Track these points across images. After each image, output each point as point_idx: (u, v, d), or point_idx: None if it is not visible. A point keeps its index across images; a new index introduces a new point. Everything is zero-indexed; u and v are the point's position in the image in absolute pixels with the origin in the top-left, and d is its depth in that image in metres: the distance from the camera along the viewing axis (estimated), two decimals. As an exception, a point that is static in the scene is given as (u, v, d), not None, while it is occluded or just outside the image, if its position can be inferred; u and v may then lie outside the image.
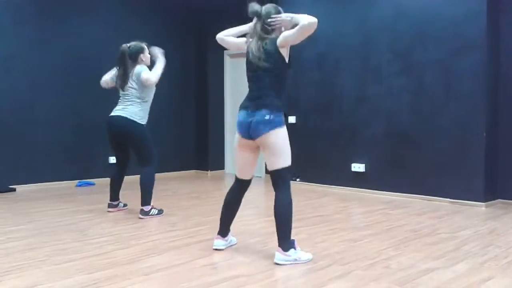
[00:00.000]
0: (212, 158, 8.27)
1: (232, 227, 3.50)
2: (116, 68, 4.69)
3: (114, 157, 4.74)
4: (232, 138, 8.41)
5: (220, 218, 3.43)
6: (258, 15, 3.21)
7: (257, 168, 7.86)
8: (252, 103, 3.14)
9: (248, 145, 3.18)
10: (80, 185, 6.69)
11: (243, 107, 3.20)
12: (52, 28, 6.62)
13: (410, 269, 3.02)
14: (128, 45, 4.64)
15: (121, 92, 4.67)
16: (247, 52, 3.25)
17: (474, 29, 5.17)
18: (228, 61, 8.29)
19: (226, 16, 8.18)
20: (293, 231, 3.19)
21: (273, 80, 3.12)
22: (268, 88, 3.13)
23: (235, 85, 8.27)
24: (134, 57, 4.61)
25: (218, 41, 3.57)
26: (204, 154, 8.31)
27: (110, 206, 4.84)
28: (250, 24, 3.30)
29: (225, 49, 8.24)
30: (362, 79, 6.12)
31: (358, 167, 6.16)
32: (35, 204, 5.29)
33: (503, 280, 2.81)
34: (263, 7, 3.24)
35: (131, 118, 4.51)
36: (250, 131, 3.09)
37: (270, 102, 3.09)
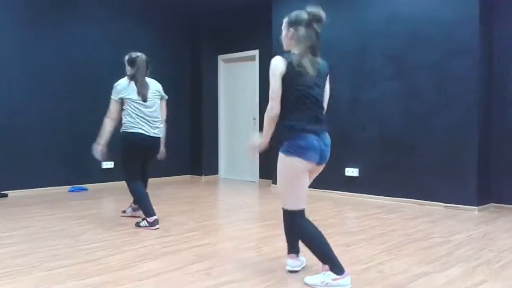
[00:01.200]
0: (206, 163, 8.27)
1: (226, 232, 3.48)
2: (129, 80, 4.41)
3: (130, 167, 4.42)
4: (226, 142, 8.46)
5: (327, 252, 2.80)
6: (319, 19, 2.81)
7: (252, 173, 7.90)
8: (318, 126, 2.80)
9: (311, 170, 2.86)
10: (73, 191, 6.66)
11: (312, 131, 2.76)
12: (47, 34, 6.60)
13: (404, 273, 3.02)
14: (139, 54, 4.46)
15: (142, 103, 4.38)
16: (299, 66, 2.76)
17: (467, 34, 5.20)
18: (222, 66, 8.31)
19: (220, 21, 8.22)
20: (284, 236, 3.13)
21: None
22: (323, 108, 2.91)
23: (229, 90, 8.28)
24: (148, 68, 4.51)
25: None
26: (198, 159, 8.30)
27: (157, 221, 4.41)
28: (301, 33, 2.79)
29: (219, 53, 8.27)
30: (356, 83, 6.14)
31: (351, 171, 6.17)
32: (27, 209, 5.26)
33: (496, 284, 2.81)
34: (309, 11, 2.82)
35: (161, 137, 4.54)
36: (322, 156, 2.81)
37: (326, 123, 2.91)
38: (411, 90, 5.64)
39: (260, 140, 2.89)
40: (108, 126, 4.37)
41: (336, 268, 2.75)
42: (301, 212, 2.86)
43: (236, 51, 7.99)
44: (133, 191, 4.43)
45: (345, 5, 6.23)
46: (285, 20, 2.90)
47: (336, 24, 6.31)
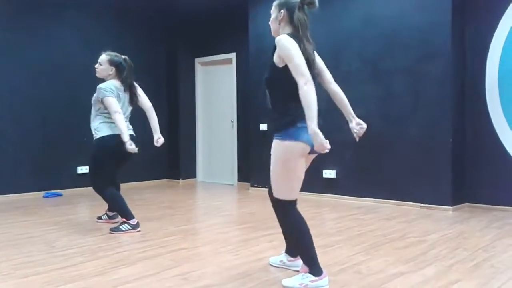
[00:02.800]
0: (183, 166, 8.23)
1: (204, 236, 3.47)
2: (121, 84, 4.43)
3: (106, 173, 4.36)
4: (204, 146, 8.43)
5: (312, 251, 2.80)
6: (312, 2, 2.82)
7: (230, 176, 7.89)
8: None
9: (306, 157, 2.82)
10: (47, 196, 6.55)
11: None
12: (18, 38, 6.47)
13: (380, 273, 3.05)
14: (123, 56, 4.47)
15: (128, 107, 4.50)
16: (305, 53, 2.69)
17: (440, 37, 5.30)
18: (199, 69, 8.28)
19: (196, 23, 8.20)
20: (266, 238, 3.15)
21: None
22: None
23: (206, 93, 8.26)
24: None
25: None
26: (176, 162, 8.25)
27: (138, 224, 4.39)
28: (297, 16, 2.75)
29: (196, 56, 8.25)
30: (332, 86, 6.18)
31: (329, 173, 6.21)
32: (0, 216, 5.14)
33: (470, 283, 2.87)
34: None
35: None
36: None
37: None
38: (386, 93, 5.72)
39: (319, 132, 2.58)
40: (123, 120, 4.23)
41: (316, 269, 2.76)
42: (295, 202, 2.81)
43: (213, 54, 7.98)
44: (111, 197, 4.35)
45: (321, 8, 6.23)
46: (276, 3, 2.82)
47: (312, 27, 6.34)
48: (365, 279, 2.94)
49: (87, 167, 7.00)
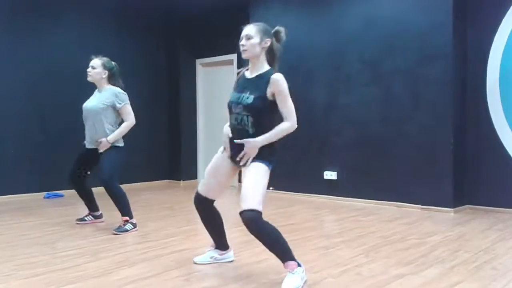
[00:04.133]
0: (184, 167, 8.23)
1: (205, 237, 3.47)
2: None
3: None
4: (205, 147, 8.43)
5: (287, 245, 2.90)
6: (281, 39, 3.03)
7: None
8: None
9: None
10: (48, 197, 6.55)
11: None
12: (17, 40, 6.47)
13: (381, 275, 3.05)
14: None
15: None
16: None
17: (440, 39, 5.30)
18: (200, 70, 8.28)
19: (197, 24, 8.20)
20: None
21: None
22: None
23: (207, 94, 8.26)
24: None
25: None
26: (177, 164, 8.25)
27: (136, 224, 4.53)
28: (277, 47, 2.99)
29: (197, 57, 8.25)
30: (332, 88, 6.19)
31: (330, 175, 6.21)
32: (1, 217, 5.14)
33: (472, 285, 2.86)
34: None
35: None
36: None
37: None
38: (387, 94, 5.72)
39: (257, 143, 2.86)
40: None
41: (294, 259, 2.81)
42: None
43: (214, 55, 7.98)
44: (118, 192, 4.34)
45: (322, 10, 6.28)
46: (259, 28, 2.93)
47: (312, 29, 6.36)
48: (366, 281, 2.94)
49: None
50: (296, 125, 2.90)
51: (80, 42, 7.03)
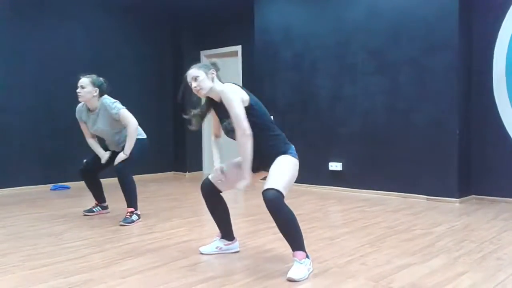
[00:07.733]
0: (190, 159, 8.25)
1: (210, 227, 3.48)
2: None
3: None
4: (210, 138, 8.42)
5: (301, 234, 2.99)
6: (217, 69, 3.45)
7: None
8: None
9: None
10: (55, 189, 6.59)
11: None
12: (25, 31, 6.50)
13: (386, 265, 3.05)
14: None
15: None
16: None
17: (446, 28, 5.26)
18: (204, 62, 8.26)
19: (202, 17, 8.18)
20: (272, 230, 3.16)
21: None
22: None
23: (212, 86, 8.25)
24: None
25: None
26: (182, 155, 8.27)
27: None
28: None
29: (202, 49, 8.24)
30: (337, 78, 6.17)
31: (335, 165, 6.21)
32: (8, 209, 5.19)
33: (477, 275, 2.86)
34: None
35: None
36: None
37: None
38: (392, 85, 5.69)
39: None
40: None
41: (304, 250, 2.87)
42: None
43: (219, 47, 7.97)
44: (131, 183, 4.42)
45: (326, 0, 6.25)
46: (199, 67, 3.20)
47: (317, 20, 6.33)
48: (371, 271, 2.94)
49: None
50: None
51: (87, 34, 7.04)
